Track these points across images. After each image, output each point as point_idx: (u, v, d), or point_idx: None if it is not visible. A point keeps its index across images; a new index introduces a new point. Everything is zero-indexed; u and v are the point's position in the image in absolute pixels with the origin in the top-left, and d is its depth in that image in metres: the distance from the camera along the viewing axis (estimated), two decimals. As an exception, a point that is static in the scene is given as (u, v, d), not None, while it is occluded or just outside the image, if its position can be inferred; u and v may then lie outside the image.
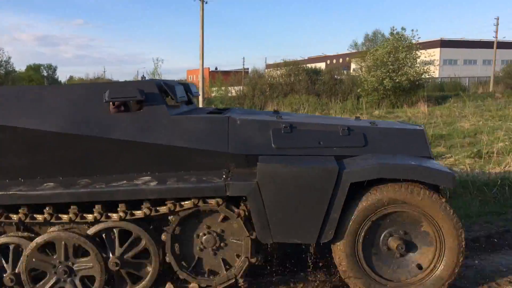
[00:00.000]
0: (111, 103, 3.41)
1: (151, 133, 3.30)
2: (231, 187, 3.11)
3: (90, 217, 3.19)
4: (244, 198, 3.21)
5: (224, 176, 3.21)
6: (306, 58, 60.41)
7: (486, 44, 48.76)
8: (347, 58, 54.27)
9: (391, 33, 25.00)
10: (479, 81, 44.52)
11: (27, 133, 3.26)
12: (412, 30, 24.66)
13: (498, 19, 42.33)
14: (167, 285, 3.37)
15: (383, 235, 3.24)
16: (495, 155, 8.16)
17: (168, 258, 3.29)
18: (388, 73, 23.94)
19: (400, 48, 24.13)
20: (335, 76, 30.61)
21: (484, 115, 16.73)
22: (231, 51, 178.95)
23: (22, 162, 3.30)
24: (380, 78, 24.08)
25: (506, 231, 4.73)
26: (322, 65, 48.54)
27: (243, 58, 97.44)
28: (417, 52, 24.84)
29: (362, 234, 3.20)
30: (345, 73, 36.51)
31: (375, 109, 21.48)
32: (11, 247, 3.29)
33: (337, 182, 3.09)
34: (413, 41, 24.91)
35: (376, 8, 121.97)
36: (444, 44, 58.61)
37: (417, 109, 19.75)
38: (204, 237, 3.30)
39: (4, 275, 3.29)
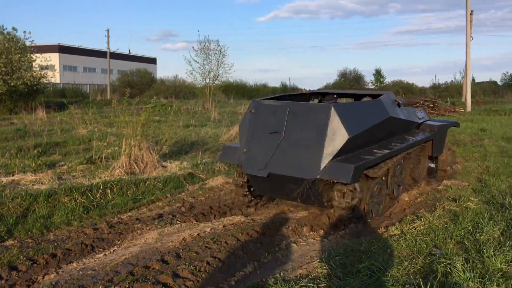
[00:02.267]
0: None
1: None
2: None
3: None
4: None
5: None
6: None
7: (104, 54, 52.01)
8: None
9: (1, 33, 22.74)
10: (98, 88, 46.95)
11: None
12: (25, 31, 23.04)
13: (108, 31, 45.87)
14: None
15: None
16: (103, 160, 8.73)
17: None
18: (1, 76, 21.69)
19: (13, 49, 22.31)
20: None
21: (102, 121, 17.76)
22: None
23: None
24: (-8, 81, 21.52)
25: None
26: None
27: None
28: (31, 55, 23.63)
29: None
30: None
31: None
32: None
33: None
34: (27, 43, 23.53)
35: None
36: (62, 50, 58.58)
37: (36, 115, 18.91)
38: None
39: None
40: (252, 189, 6.19)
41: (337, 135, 5.04)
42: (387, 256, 4.13)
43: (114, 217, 5.68)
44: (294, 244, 4.68)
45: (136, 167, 8.33)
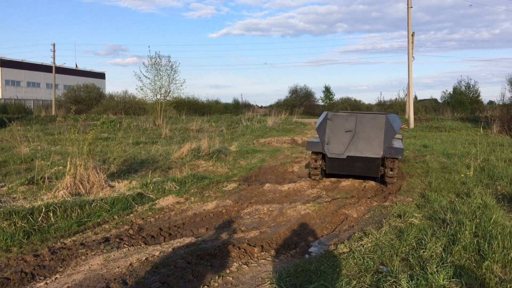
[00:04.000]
0: None
1: None
2: None
3: None
4: None
5: None
6: None
7: (49, 68, 50.12)
8: None
9: None
10: (43, 104, 45.11)
11: None
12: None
13: (54, 45, 44.39)
14: None
15: None
16: (46, 180, 8.34)
17: None
18: None
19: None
20: None
21: (45, 139, 17.00)
22: None
23: None
24: None
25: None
26: None
27: None
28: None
29: None
30: None
31: None
32: None
33: None
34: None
35: None
36: (4, 64, 55.99)
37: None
38: None
39: None
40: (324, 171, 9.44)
41: (389, 130, 8.59)
42: (336, 275, 4.18)
43: (57, 242, 5.40)
44: (245, 266, 4.64)
45: (81, 187, 8.01)
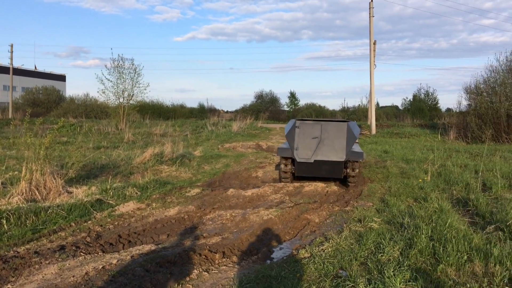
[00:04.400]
0: None
1: None
2: None
3: None
4: None
5: None
6: None
7: (6, 70, 48.22)
8: None
9: None
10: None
11: None
12: None
13: (12, 46, 42.84)
14: None
15: None
16: (0, 186, 7.99)
17: None
18: None
19: None
20: None
21: (1, 143, 16.30)
22: None
23: None
24: None
25: None
26: None
27: None
28: None
29: None
30: None
31: None
32: None
33: None
34: None
35: None
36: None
37: None
38: None
39: None
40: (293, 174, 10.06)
41: (350, 136, 9.47)
42: (296, 281, 4.20)
43: (10, 251, 5.18)
44: (206, 273, 4.59)
45: (37, 193, 7.72)
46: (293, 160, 9.82)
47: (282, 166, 9.91)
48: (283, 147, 9.86)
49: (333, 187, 9.60)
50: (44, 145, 8.16)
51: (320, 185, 9.73)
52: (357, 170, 9.58)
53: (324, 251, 5.05)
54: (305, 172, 9.74)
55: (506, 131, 20.00)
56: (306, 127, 9.65)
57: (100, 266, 4.62)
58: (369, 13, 26.79)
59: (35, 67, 60.75)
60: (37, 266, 4.74)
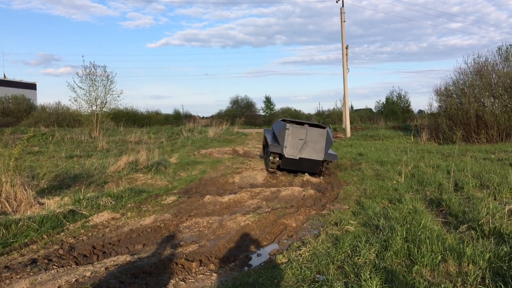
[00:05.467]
0: None
1: None
2: None
3: None
4: None
5: None
6: None
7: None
8: None
9: None
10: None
11: None
12: None
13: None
14: None
15: None
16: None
17: None
18: None
19: None
20: None
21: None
22: None
23: None
24: None
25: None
26: None
27: None
28: None
29: None
30: None
31: None
32: None
33: None
34: None
35: None
36: None
37: None
38: None
39: None
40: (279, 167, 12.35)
41: (328, 140, 11.71)
42: (274, 287, 4.18)
43: (-23, 267, 4.99)
44: (183, 282, 4.53)
45: (7, 206, 7.49)
46: (281, 156, 11.88)
47: (271, 158, 12.01)
48: (274, 144, 11.86)
49: (310, 191, 9.65)
50: (14, 155, 7.94)
51: (297, 189, 9.76)
52: (329, 167, 12.22)
53: (301, 256, 5.06)
54: (290, 165, 11.97)
55: (475, 131, 20.57)
56: (295, 130, 11.72)
57: (74, 279, 4.50)
58: (341, 18, 27.19)
59: (4, 76, 59.21)
60: (7, 281, 4.58)
